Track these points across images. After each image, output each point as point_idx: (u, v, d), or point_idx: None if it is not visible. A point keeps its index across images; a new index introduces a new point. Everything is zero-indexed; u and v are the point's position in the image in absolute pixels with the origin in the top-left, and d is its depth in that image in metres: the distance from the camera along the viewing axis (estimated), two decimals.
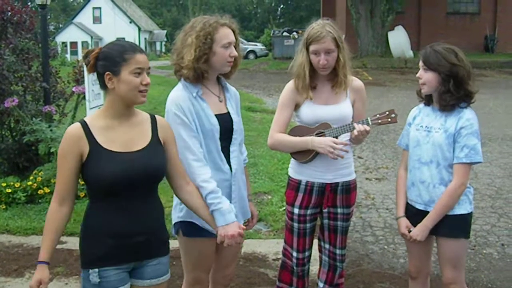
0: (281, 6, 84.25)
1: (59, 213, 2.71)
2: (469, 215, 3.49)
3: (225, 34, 3.21)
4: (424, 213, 3.46)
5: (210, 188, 3.06)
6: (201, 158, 3.15)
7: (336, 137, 3.51)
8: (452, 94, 3.36)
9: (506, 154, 9.69)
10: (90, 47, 3.55)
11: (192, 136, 3.15)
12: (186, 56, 3.20)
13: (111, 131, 2.74)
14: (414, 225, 3.50)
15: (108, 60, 2.68)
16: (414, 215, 3.53)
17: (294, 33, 34.19)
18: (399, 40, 28.13)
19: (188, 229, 3.31)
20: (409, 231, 3.51)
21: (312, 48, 3.51)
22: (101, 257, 2.72)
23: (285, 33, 35.28)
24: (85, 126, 2.70)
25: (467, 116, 3.38)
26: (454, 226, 3.42)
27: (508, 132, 11.74)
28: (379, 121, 3.49)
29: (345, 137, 3.62)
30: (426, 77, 3.39)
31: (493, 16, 33.53)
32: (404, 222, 3.56)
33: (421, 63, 3.42)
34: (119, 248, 2.74)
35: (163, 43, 69.16)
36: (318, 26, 3.51)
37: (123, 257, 2.77)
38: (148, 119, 2.90)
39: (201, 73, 3.20)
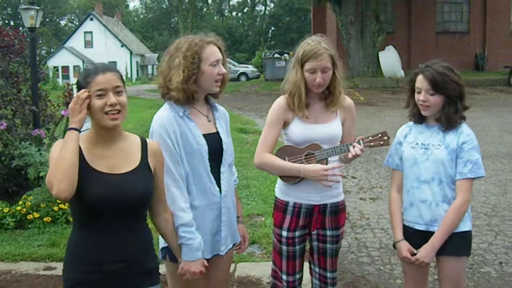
0: (272, 28, 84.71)
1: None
2: (470, 232, 3.42)
3: (212, 52, 3.14)
4: (425, 234, 3.37)
5: (185, 219, 3.01)
6: (182, 186, 3.07)
7: (327, 159, 3.43)
8: (460, 112, 3.33)
9: (500, 171, 9.65)
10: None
11: (175, 162, 3.07)
12: (175, 77, 3.11)
13: (97, 151, 2.64)
14: (414, 246, 3.39)
15: (78, 86, 2.63)
16: (413, 236, 3.43)
17: (286, 54, 34.35)
18: (390, 60, 28.28)
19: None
20: (412, 254, 3.39)
21: (308, 65, 3.39)
22: (73, 282, 2.62)
23: (276, 55, 35.44)
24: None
25: (467, 131, 3.33)
26: (458, 244, 3.34)
27: (501, 149, 11.72)
28: (372, 144, 3.41)
29: (334, 158, 3.54)
30: (433, 101, 3.30)
31: (482, 34, 33.81)
32: (405, 245, 3.44)
33: (425, 86, 3.30)
34: (92, 274, 2.62)
35: (155, 66, 69.29)
36: (314, 42, 3.42)
37: (98, 284, 2.63)
38: (138, 143, 2.80)
39: (191, 94, 3.12)
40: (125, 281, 2.68)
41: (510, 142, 12.75)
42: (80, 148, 2.58)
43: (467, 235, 3.39)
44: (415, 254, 3.37)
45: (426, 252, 3.33)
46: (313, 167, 3.37)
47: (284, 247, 3.61)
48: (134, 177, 2.67)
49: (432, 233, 3.34)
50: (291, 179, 3.51)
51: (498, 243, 6.19)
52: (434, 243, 3.32)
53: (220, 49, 3.21)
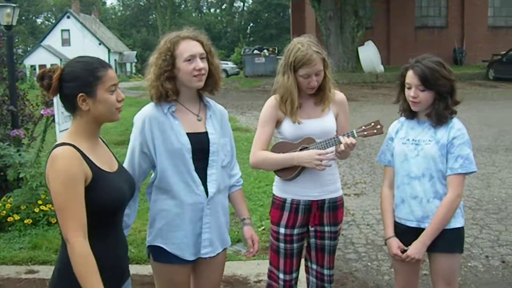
0: (251, 24, 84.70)
1: (89, 248, 2.35)
2: (462, 228, 3.38)
3: (186, 48, 3.05)
4: (416, 230, 3.32)
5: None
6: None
7: None
8: (450, 108, 3.28)
9: (482, 165, 9.68)
10: None
11: (131, 152, 3.11)
12: (148, 76, 3.10)
13: (95, 152, 2.54)
14: (405, 244, 3.35)
15: (79, 81, 2.45)
16: (404, 233, 3.38)
17: (265, 50, 34.25)
18: (369, 55, 28.38)
19: (157, 253, 3.14)
20: (403, 251, 3.34)
21: (302, 71, 3.36)
22: None
23: (255, 51, 35.33)
24: (76, 148, 2.44)
25: (458, 126, 3.28)
26: (449, 240, 3.29)
27: (482, 143, 11.78)
28: (365, 133, 3.36)
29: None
30: (423, 97, 3.25)
31: (460, 29, 34.10)
32: (396, 242, 3.39)
33: (415, 82, 3.24)
34: (116, 276, 2.58)
35: (133, 64, 68.95)
36: (304, 47, 3.36)
37: (118, 284, 2.62)
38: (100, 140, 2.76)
39: (164, 91, 3.04)
40: (128, 272, 2.72)
41: (490, 135, 12.86)
42: (85, 154, 2.46)
43: (459, 231, 3.35)
44: (405, 251, 3.33)
45: (417, 248, 3.28)
46: (306, 153, 3.33)
47: (282, 245, 3.56)
48: (125, 171, 2.70)
49: (423, 229, 3.30)
50: (286, 174, 3.46)
51: (484, 237, 6.19)
52: (425, 239, 3.27)
53: (202, 43, 3.12)
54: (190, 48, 3.04)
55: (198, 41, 3.09)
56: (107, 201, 2.46)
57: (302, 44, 3.38)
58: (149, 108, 3.11)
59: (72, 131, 2.53)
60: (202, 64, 3.06)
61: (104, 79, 2.47)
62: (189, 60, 3.03)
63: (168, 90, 3.04)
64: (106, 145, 2.76)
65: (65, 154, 2.38)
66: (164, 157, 3.06)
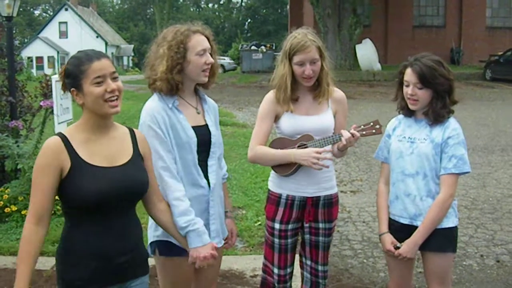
0: (249, 20, 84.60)
1: (37, 235, 2.47)
2: (456, 228, 3.40)
3: (199, 41, 3.09)
4: (409, 227, 3.35)
5: (182, 208, 2.94)
6: (175, 175, 3.02)
7: None
8: (448, 107, 3.30)
9: (478, 165, 9.73)
10: (56, 62, 3.37)
11: (167, 151, 3.02)
12: (159, 67, 3.07)
13: (92, 144, 2.57)
14: (398, 240, 3.37)
15: (70, 77, 2.55)
16: (398, 230, 3.40)
17: (262, 47, 34.25)
18: (367, 53, 28.37)
19: (166, 248, 3.15)
20: (396, 248, 3.37)
21: (296, 58, 3.38)
22: (84, 281, 2.54)
23: (253, 47, 35.31)
24: (64, 139, 2.52)
25: (453, 126, 3.30)
26: (442, 240, 3.31)
27: (478, 143, 11.83)
28: (364, 132, 3.39)
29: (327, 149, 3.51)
30: (421, 95, 3.27)
31: (458, 29, 34.11)
32: (389, 238, 3.42)
33: (414, 80, 3.26)
34: (103, 269, 2.57)
35: (130, 57, 68.79)
36: (300, 35, 3.40)
37: (107, 279, 2.60)
38: (127, 132, 2.75)
39: (175, 84, 3.06)
40: (128, 272, 2.68)
41: (486, 135, 12.90)
42: (71, 146, 2.52)
43: (452, 231, 3.37)
44: (398, 248, 3.36)
45: (408, 247, 3.31)
46: (304, 151, 3.34)
47: (276, 240, 3.59)
48: (134, 167, 2.65)
49: (416, 227, 3.32)
50: (283, 170, 3.47)
51: (479, 236, 6.23)
52: (417, 238, 3.30)
53: (208, 39, 3.17)
54: (202, 42, 3.09)
55: (205, 36, 3.14)
56: (81, 192, 2.48)
57: (299, 33, 3.44)
58: (155, 103, 3.10)
59: (78, 122, 2.62)
60: (211, 59, 3.12)
61: (87, 72, 2.51)
62: (201, 54, 3.07)
63: (178, 83, 3.07)
64: (134, 138, 2.75)
65: (45, 145, 2.52)
66: (175, 151, 3.08)
